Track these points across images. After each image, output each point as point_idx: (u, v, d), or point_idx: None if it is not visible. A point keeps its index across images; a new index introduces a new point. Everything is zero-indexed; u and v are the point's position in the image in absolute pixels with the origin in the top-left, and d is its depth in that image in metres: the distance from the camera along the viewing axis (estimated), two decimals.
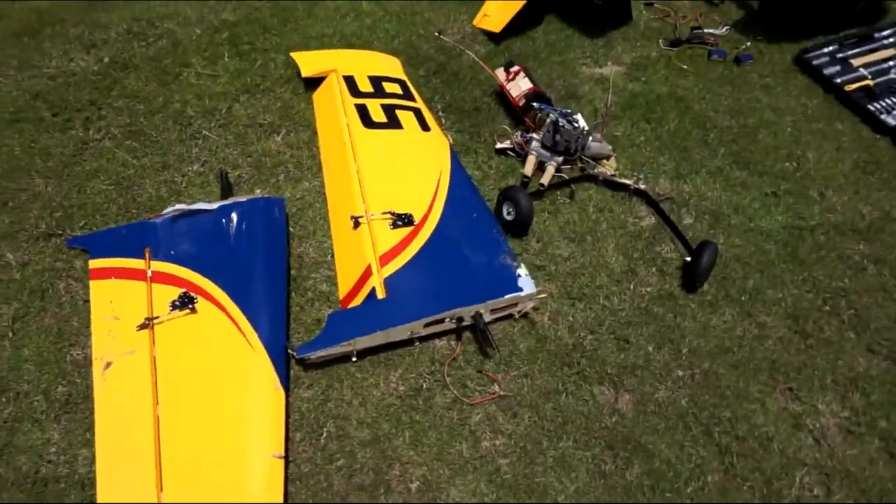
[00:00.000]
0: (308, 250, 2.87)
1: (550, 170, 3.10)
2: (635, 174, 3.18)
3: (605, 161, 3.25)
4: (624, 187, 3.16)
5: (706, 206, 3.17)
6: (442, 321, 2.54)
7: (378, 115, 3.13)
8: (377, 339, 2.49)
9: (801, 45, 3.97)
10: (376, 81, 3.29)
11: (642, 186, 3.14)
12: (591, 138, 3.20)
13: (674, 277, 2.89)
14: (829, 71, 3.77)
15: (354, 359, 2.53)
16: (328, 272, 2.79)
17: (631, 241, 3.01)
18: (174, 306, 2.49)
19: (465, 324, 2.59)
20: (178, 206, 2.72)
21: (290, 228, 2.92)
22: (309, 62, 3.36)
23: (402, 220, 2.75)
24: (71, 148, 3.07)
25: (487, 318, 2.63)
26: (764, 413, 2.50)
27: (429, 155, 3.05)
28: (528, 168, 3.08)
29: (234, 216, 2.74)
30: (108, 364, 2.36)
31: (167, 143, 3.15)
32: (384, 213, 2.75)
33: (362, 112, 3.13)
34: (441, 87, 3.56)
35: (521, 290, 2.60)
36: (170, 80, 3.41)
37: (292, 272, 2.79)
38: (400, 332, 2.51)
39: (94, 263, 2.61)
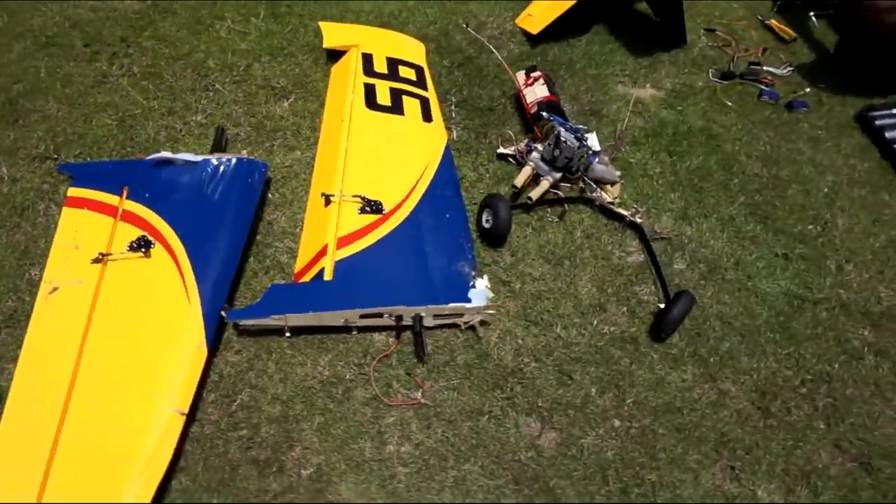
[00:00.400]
0: (280, 219, 2.87)
1: (544, 185, 2.95)
2: (636, 206, 2.99)
3: (608, 186, 3.07)
4: (620, 217, 2.98)
5: (704, 254, 2.94)
6: (380, 316, 2.49)
7: (384, 98, 3.09)
8: (310, 319, 2.47)
9: (868, 101, 3.60)
10: (393, 63, 3.24)
11: (639, 220, 2.94)
12: (597, 159, 3.03)
13: (643, 322, 2.71)
14: (892, 134, 3.40)
15: (288, 334, 2.52)
16: (292, 244, 2.79)
17: (610, 274, 2.84)
18: (131, 247, 2.55)
19: (404, 323, 2.53)
20: (164, 154, 2.79)
21: (270, 195, 2.93)
22: (334, 34, 3.34)
23: (370, 206, 2.71)
24: (91, 79, 3.20)
25: (430, 322, 2.56)
26: (694, 486, 2.31)
27: (421, 146, 2.98)
28: (520, 178, 2.95)
29: (213, 171, 2.78)
30: (55, 289, 2.45)
31: (179, 90, 3.23)
32: (355, 195, 2.71)
33: (369, 92, 3.09)
34: (462, 80, 3.46)
35: (468, 301, 2.51)
36: (201, 29, 3.49)
37: (258, 238, 2.80)
38: (334, 318, 2.48)
39: (73, 191, 2.71)
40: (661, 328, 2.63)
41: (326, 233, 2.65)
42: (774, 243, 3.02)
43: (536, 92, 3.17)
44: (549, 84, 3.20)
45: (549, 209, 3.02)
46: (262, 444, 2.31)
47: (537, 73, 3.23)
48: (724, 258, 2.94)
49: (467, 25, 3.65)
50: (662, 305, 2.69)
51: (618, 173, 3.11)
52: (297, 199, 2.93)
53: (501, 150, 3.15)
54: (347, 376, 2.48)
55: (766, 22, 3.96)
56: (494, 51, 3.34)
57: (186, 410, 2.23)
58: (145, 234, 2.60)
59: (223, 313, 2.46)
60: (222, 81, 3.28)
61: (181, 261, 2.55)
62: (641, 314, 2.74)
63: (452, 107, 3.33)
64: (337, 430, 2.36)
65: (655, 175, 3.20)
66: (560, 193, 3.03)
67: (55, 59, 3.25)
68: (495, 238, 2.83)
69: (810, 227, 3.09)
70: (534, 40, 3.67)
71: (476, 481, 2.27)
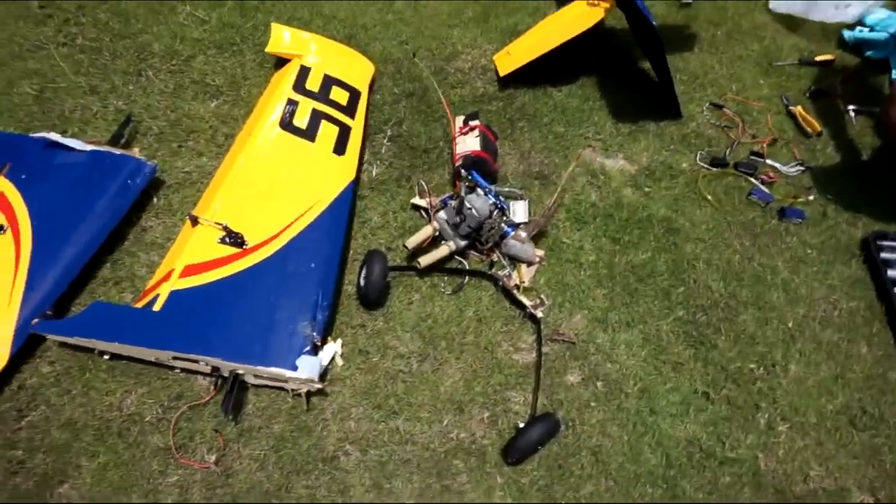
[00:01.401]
0: (156, 228, 2.67)
1: (442, 251, 2.60)
2: (544, 297, 2.58)
3: (523, 266, 2.68)
4: (521, 306, 2.58)
5: (609, 371, 2.51)
6: (196, 362, 2.24)
7: (301, 119, 2.81)
8: (120, 349, 2.26)
9: (886, 226, 2.99)
10: (328, 83, 2.95)
11: (540, 314, 2.54)
12: (513, 233, 2.64)
13: (501, 437, 2.33)
14: (895, 273, 2.80)
15: (106, 357, 2.32)
16: (156, 258, 2.57)
17: (487, 370, 2.47)
18: None
19: (223, 374, 2.27)
20: (52, 135, 2.65)
21: (155, 199, 2.73)
22: (281, 38, 3.08)
23: (231, 237, 2.46)
24: (30, 42, 3.10)
25: (252, 381, 2.29)
26: None
27: (318, 181, 2.69)
28: (414, 239, 2.60)
29: (94, 164, 2.62)
30: None
31: (112, 69, 3.08)
32: (219, 222, 2.47)
33: (289, 109, 2.82)
34: (406, 112, 3.13)
35: (294, 369, 2.21)
36: (163, 10, 3.32)
37: (125, 244, 2.61)
38: (146, 353, 2.26)
39: None
40: (507, 451, 2.25)
41: (177, 256, 2.43)
42: (700, 377, 2.53)
43: (467, 143, 2.80)
44: (486, 138, 2.82)
45: (446, 278, 2.66)
46: (31, 472, 2.13)
47: (475, 123, 2.85)
48: (630, 381, 2.50)
49: (414, 55, 3.30)
50: (522, 425, 2.30)
51: (538, 253, 2.71)
52: (182, 210, 2.71)
53: (416, 199, 2.81)
54: (149, 418, 2.25)
55: (791, 108, 3.37)
56: (436, 87, 2.99)
57: None
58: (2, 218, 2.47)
59: (34, 321, 2.28)
60: (157, 69, 3.10)
61: (22, 257, 2.39)
62: (503, 426, 2.35)
63: (385, 140, 3.01)
64: (114, 476, 2.14)
65: (587, 264, 2.76)
66: (465, 263, 2.67)
67: (3, 16, 3.18)
68: (364, 299, 2.51)
69: (752, 366, 2.58)
70: (503, 81, 3.28)
71: None
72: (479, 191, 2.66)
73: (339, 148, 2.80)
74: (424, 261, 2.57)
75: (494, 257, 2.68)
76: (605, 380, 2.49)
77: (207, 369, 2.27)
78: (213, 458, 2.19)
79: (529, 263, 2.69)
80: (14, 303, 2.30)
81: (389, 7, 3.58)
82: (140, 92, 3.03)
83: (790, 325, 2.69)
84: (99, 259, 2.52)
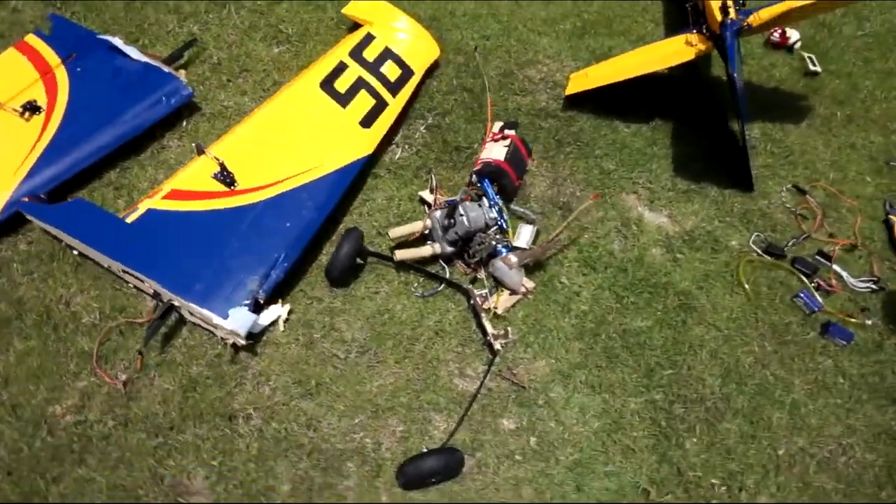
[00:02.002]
0: (174, 149, 2.76)
1: (423, 251, 2.48)
2: (513, 332, 2.37)
3: (503, 290, 2.48)
4: (483, 332, 2.39)
5: (549, 430, 2.28)
6: (142, 281, 2.28)
7: (343, 84, 2.78)
8: (82, 248, 2.35)
9: None
10: (385, 56, 2.89)
11: (499, 347, 2.34)
12: (505, 254, 2.45)
13: (407, 455, 2.17)
14: None
15: (75, 252, 2.43)
16: (162, 177, 2.65)
17: (423, 385, 2.32)
18: (23, 106, 2.62)
19: (162, 300, 2.29)
20: (118, 40, 2.80)
21: (185, 122, 2.82)
22: (360, 3, 3.07)
23: (223, 175, 2.48)
24: None
25: (189, 317, 2.30)
26: None
27: (331, 146, 2.64)
28: (400, 230, 2.49)
29: (141, 75, 2.76)
30: None
31: None
32: (217, 158, 2.49)
33: (336, 72, 2.80)
34: (454, 105, 3.00)
35: (224, 317, 2.19)
36: None
37: (141, 155, 2.72)
38: (102, 259, 2.33)
39: (30, 39, 2.83)
40: (398, 471, 2.09)
41: (170, 178, 2.49)
42: (648, 471, 2.23)
43: (494, 151, 2.63)
44: (516, 150, 2.63)
45: (422, 279, 2.53)
46: None
47: (510, 133, 2.68)
48: (568, 448, 2.25)
49: (476, 49, 3.14)
50: (426, 449, 2.13)
51: (527, 285, 2.50)
52: (205, 139, 2.77)
53: (423, 193, 2.69)
54: (86, 320, 2.33)
55: (892, 217, 2.86)
56: (487, 86, 2.83)
57: None
58: (41, 103, 2.64)
59: (25, 199, 2.42)
60: (241, 4, 3.20)
61: (42, 139, 2.56)
62: (412, 446, 2.20)
63: (422, 127, 2.91)
64: (34, 362, 2.25)
65: (576, 312, 2.51)
66: (446, 270, 2.52)
67: None
68: (327, 274, 2.44)
69: (715, 481, 2.23)
70: (569, 101, 3.05)
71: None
72: (485, 201, 2.50)
73: (367, 121, 2.73)
74: (401, 254, 2.45)
75: (480, 274, 2.51)
76: (541, 437, 2.25)
77: (150, 291, 2.30)
78: (124, 377, 2.22)
79: (512, 292, 2.48)
80: (16, 179, 2.46)
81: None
82: (216, 22, 3.14)
83: (780, 452, 2.29)
84: (111, 161, 2.64)
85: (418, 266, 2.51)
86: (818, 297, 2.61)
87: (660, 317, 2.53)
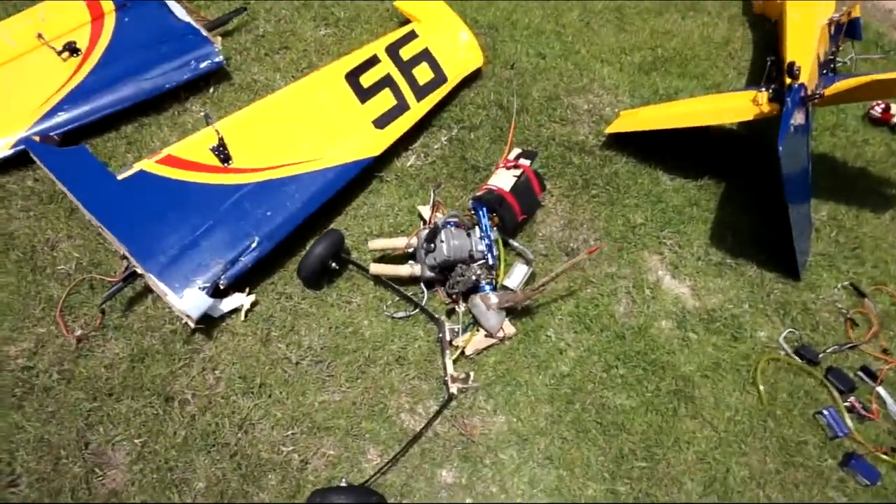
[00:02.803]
0: (195, 113, 2.74)
1: (400, 270, 2.31)
2: (474, 378, 2.17)
3: (479, 332, 2.27)
4: (444, 370, 2.19)
5: (489, 494, 2.05)
6: (113, 241, 2.24)
7: (368, 79, 2.65)
8: (69, 195, 2.33)
9: None
10: (421, 58, 2.73)
11: (454, 391, 2.14)
12: (485, 291, 2.24)
13: (329, 483, 2.01)
14: None
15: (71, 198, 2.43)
16: (174, 139, 2.61)
17: (365, 412, 2.15)
18: (64, 46, 2.65)
19: (126, 266, 2.24)
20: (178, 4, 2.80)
21: (211, 89, 2.79)
22: (415, 3, 2.93)
23: (220, 151, 2.40)
24: None
25: (153, 286, 2.24)
26: None
27: (337, 141, 2.52)
28: (380, 242, 2.33)
29: (179, 34, 2.75)
30: None
31: None
32: (219, 132, 2.41)
33: (365, 65, 2.67)
34: (484, 122, 2.80)
35: (178, 296, 2.11)
36: None
37: (161, 114, 2.72)
38: (83, 211, 2.31)
39: None
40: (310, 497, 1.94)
41: (166, 145, 2.45)
42: None
43: (501, 179, 2.41)
44: (526, 183, 2.40)
45: (397, 299, 2.36)
46: None
47: (524, 163, 2.44)
48: None
49: (512, 65, 2.90)
50: (345, 482, 1.96)
51: (507, 330, 2.28)
52: (228, 109, 2.72)
53: (421, 207, 2.52)
54: (63, 268, 2.32)
55: None
56: (514, 109, 2.60)
57: None
58: (82, 45, 2.67)
59: (35, 137, 2.44)
60: None
61: (71, 82, 2.59)
62: (339, 473, 2.04)
63: (444, 138, 2.74)
64: (4, 297, 2.24)
65: (553, 372, 2.26)
66: (425, 294, 2.34)
67: None
68: (298, 271, 2.32)
69: None
70: (610, 139, 2.77)
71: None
72: (477, 231, 2.29)
73: (382, 122, 2.59)
74: (376, 268, 2.29)
75: (461, 307, 2.31)
76: (477, 500, 2.03)
77: (121, 253, 2.26)
78: (79, 333, 2.19)
79: (488, 334, 2.27)
80: (37, 115, 2.49)
81: (559, 15, 3.22)
82: None
83: None
84: (131, 114, 2.64)
85: (393, 285, 2.34)
86: (847, 420, 2.22)
87: (649, 399, 2.24)
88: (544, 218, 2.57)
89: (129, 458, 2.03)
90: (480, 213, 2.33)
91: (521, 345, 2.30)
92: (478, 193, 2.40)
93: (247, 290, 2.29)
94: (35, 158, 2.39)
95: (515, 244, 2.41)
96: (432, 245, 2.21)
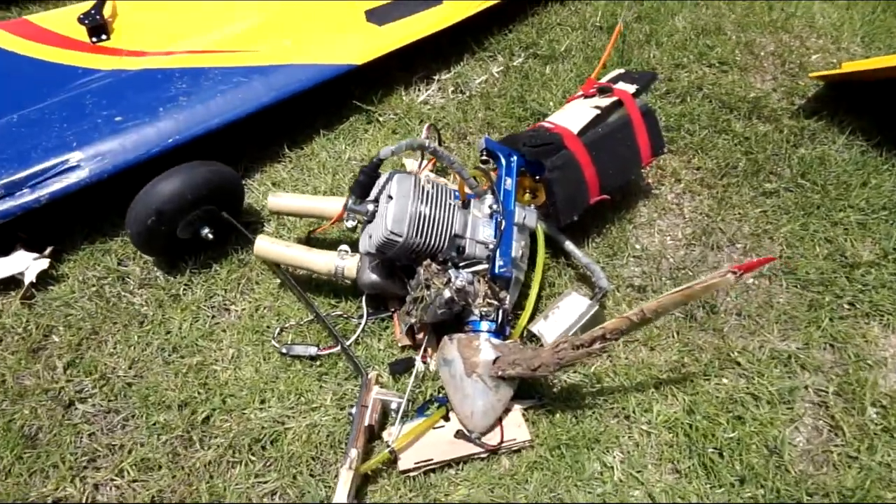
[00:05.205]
0: None
1: (316, 261, 1.12)
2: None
3: (442, 413, 0.99)
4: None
5: None
6: None
7: None
8: None
9: None
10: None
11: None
12: (476, 328, 1.00)
13: None
14: None
15: None
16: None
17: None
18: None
19: None
20: None
21: None
22: None
23: (90, 20, 1.50)
24: None
25: None
26: None
27: (295, 30, 1.44)
28: (290, 201, 1.19)
29: None
30: None
31: None
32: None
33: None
34: (573, 50, 1.58)
35: None
36: None
37: None
38: None
39: None
40: None
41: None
42: None
43: (569, 114, 1.16)
44: (610, 126, 1.15)
45: (302, 318, 1.16)
46: None
47: (624, 88, 1.17)
48: None
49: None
50: None
51: (505, 431, 0.98)
52: None
53: (407, 163, 1.32)
54: None
55: None
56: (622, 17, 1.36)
57: None
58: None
59: None
60: None
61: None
62: None
63: (496, 68, 1.55)
64: None
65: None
66: (364, 317, 1.13)
67: None
68: (127, 222, 1.21)
69: None
70: (819, 100, 1.41)
71: None
72: (489, 198, 1.06)
73: (383, 15, 1.49)
74: (265, 245, 1.12)
75: (427, 358, 1.07)
76: None
77: None
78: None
79: (460, 433, 0.98)
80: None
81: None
82: None
83: None
84: None
85: (299, 288, 1.15)
86: None
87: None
88: (650, 212, 1.26)
89: None
90: (504, 168, 1.08)
91: (544, 474, 0.97)
92: (513, 135, 1.17)
93: (50, 248, 1.23)
94: None
95: (576, 251, 1.13)
96: (366, 205, 1.01)
